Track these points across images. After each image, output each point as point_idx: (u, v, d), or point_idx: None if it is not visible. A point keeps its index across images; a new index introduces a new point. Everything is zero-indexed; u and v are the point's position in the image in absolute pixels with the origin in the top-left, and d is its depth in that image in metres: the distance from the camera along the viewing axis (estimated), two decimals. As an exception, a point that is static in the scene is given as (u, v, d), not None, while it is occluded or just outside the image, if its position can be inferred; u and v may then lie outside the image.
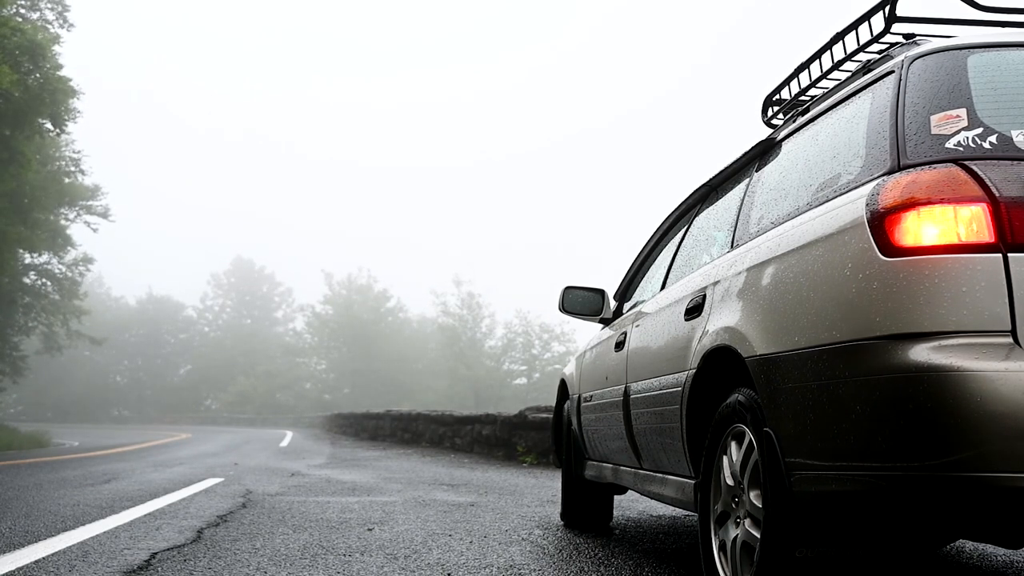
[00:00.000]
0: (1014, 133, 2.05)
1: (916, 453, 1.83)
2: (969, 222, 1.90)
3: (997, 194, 1.91)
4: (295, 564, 3.45)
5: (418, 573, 3.29)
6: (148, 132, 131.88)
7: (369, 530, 4.44)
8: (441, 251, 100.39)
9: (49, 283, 30.40)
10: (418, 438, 16.35)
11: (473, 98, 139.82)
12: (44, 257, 29.73)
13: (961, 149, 2.05)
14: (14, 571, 3.26)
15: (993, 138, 2.05)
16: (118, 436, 26.89)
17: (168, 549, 3.78)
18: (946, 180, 1.96)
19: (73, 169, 29.18)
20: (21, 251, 26.19)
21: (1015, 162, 1.98)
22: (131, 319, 72.48)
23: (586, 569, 3.41)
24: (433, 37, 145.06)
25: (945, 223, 1.91)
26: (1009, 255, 1.87)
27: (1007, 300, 1.85)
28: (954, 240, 1.89)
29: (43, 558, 3.53)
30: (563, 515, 4.96)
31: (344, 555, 3.67)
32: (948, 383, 1.79)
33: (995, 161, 1.99)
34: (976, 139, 2.06)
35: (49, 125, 23.40)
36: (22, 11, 24.14)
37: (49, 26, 24.43)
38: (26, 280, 29.20)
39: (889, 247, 1.95)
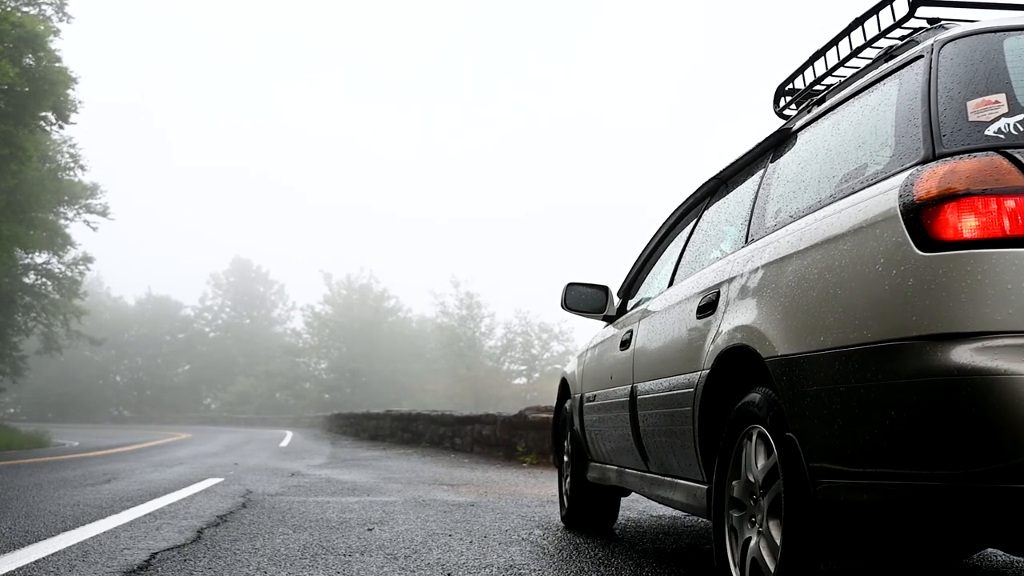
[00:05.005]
0: None
1: (957, 461, 1.73)
2: (1014, 214, 1.78)
3: None
4: (295, 564, 3.45)
5: (418, 573, 3.29)
6: (148, 133, 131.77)
7: (369, 530, 4.44)
8: (440, 251, 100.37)
9: (49, 283, 30.36)
10: (418, 438, 16.35)
11: (473, 96, 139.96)
12: (44, 257, 29.68)
13: (1002, 136, 1.93)
14: (14, 571, 3.26)
15: None
16: (118, 436, 26.88)
17: (168, 549, 3.78)
18: (988, 169, 1.84)
19: (72, 165, 29.10)
20: (19, 251, 26.13)
21: None
22: (131, 319, 72.44)
23: (586, 569, 3.41)
24: (431, 33, 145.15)
25: (988, 215, 1.79)
26: None
27: None
28: (998, 233, 1.77)
29: (43, 558, 3.53)
30: (565, 518, 4.86)
31: (344, 555, 3.67)
32: (994, 386, 1.69)
33: None
34: (1019, 126, 1.94)
35: (52, 117, 23.35)
36: (22, 7, 24.08)
37: (48, 21, 24.37)
38: (26, 280, 29.16)
39: (926, 241, 1.84)
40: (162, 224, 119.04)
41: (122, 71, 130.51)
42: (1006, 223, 1.77)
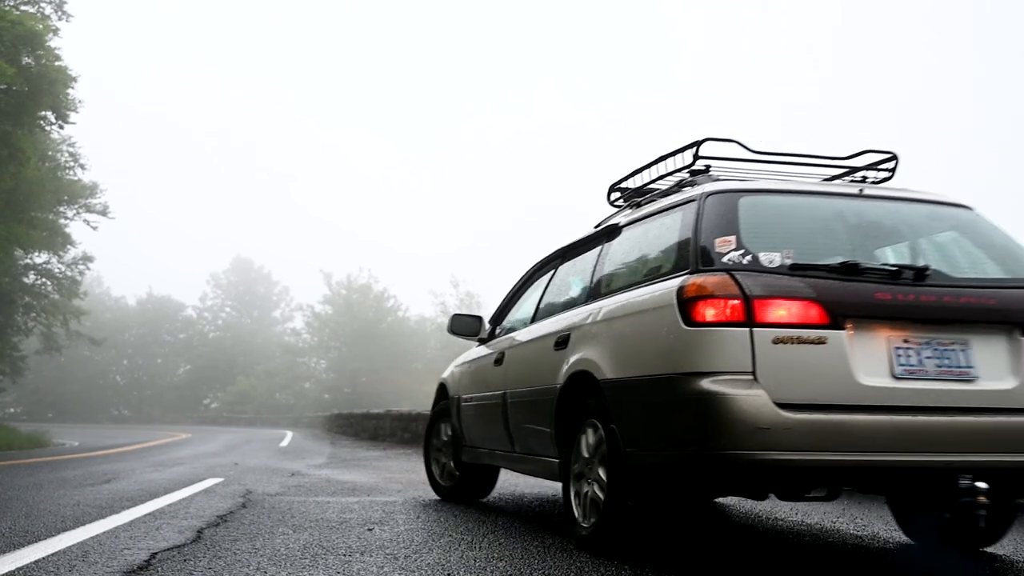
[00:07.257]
0: (761, 255, 3.26)
1: (698, 440, 3.11)
2: (732, 310, 3.13)
3: (748, 293, 3.14)
4: (295, 564, 3.45)
5: (418, 573, 3.28)
6: (147, 132, 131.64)
7: (369, 530, 4.44)
8: (439, 251, 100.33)
9: (49, 283, 30.33)
10: (418, 438, 16.32)
11: (473, 97, 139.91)
12: (43, 256, 29.64)
13: (731, 263, 3.26)
14: (14, 571, 3.26)
15: (749, 257, 3.26)
16: (118, 436, 26.86)
17: (168, 549, 3.78)
18: (721, 283, 3.18)
19: (72, 164, 29.04)
20: (19, 251, 26.07)
21: (759, 274, 3.20)
22: (131, 319, 72.41)
23: (587, 569, 3.41)
24: (428, 31, 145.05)
25: (719, 309, 3.14)
26: (753, 329, 3.10)
27: (750, 355, 3.08)
28: (723, 319, 3.13)
29: (43, 558, 3.53)
30: (444, 493, 6.10)
31: (344, 555, 3.66)
32: (717, 401, 3.05)
33: (748, 272, 3.21)
34: (739, 257, 3.27)
35: (52, 117, 23.27)
36: (21, 6, 23.99)
37: (48, 20, 24.27)
38: (26, 280, 29.13)
39: (688, 320, 3.20)
40: (164, 225, 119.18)
41: (123, 71, 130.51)
42: (728, 313, 3.13)
